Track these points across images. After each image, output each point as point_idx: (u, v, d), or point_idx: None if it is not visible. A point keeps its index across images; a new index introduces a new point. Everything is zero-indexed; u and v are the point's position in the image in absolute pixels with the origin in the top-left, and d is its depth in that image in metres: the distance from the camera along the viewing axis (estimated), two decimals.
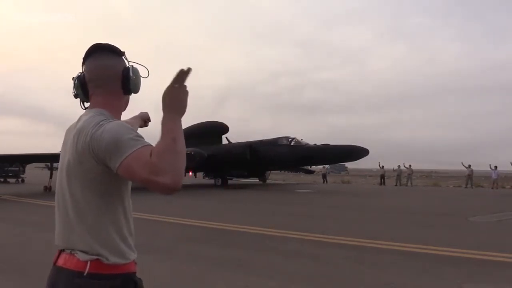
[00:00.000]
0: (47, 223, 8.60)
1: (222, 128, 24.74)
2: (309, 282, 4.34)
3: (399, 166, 29.17)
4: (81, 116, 1.39)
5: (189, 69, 1.20)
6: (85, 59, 1.42)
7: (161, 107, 1.21)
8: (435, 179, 40.03)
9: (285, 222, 8.64)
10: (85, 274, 1.24)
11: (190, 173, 25.39)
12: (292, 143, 22.05)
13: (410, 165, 29.24)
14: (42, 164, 46.60)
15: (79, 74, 1.42)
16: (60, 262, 1.31)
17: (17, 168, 25.50)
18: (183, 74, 1.19)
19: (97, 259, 1.25)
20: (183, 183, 1.23)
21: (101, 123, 1.24)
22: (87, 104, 1.44)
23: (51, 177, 18.62)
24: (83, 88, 1.41)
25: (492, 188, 25.10)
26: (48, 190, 17.36)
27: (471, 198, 17.27)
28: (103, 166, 1.22)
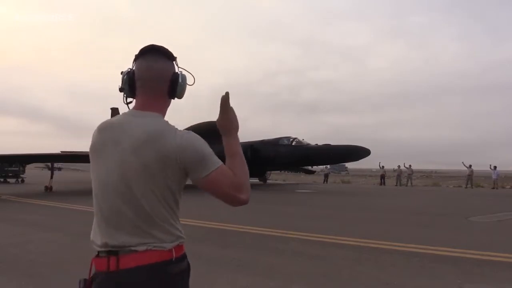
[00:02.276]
0: (47, 223, 8.62)
1: None
2: (309, 282, 4.34)
3: (399, 166, 29.18)
4: (132, 116, 1.42)
5: (227, 94, 1.45)
6: (137, 57, 1.45)
7: (221, 132, 1.48)
8: (435, 179, 40.05)
9: (285, 222, 8.64)
10: (173, 259, 1.34)
11: None
12: (294, 143, 21.99)
13: (410, 165, 29.26)
14: (42, 164, 46.72)
15: (129, 69, 1.46)
16: (129, 263, 1.30)
17: (17, 168, 25.49)
18: (226, 101, 1.45)
19: (178, 243, 1.38)
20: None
21: (177, 131, 1.39)
22: (129, 99, 1.49)
23: (51, 177, 18.59)
24: (130, 84, 1.45)
25: (493, 188, 25.12)
26: (49, 190, 17.32)
27: (471, 198, 17.27)
28: (181, 173, 1.37)
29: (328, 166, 34.77)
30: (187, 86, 1.51)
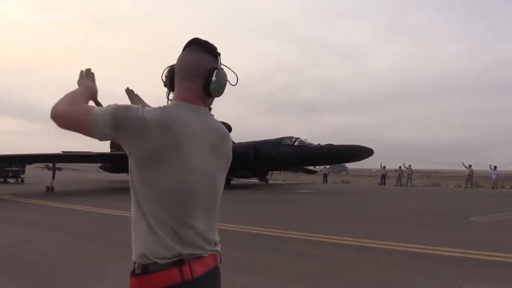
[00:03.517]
0: (47, 223, 8.61)
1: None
2: (309, 282, 4.34)
3: (400, 167, 29.20)
4: (192, 112, 1.35)
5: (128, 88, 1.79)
6: (183, 50, 1.43)
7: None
8: (435, 179, 40.05)
9: (285, 222, 8.64)
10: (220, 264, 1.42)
11: None
12: (296, 143, 21.86)
13: (410, 165, 29.29)
14: (42, 164, 46.66)
15: (172, 65, 1.44)
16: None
17: (16, 168, 25.46)
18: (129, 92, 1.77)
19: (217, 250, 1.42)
20: None
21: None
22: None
23: (53, 177, 18.45)
24: (170, 77, 1.43)
25: (492, 188, 25.12)
26: (51, 191, 17.27)
27: (471, 198, 17.27)
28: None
29: (328, 166, 34.78)
30: (231, 86, 1.45)
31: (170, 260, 1.24)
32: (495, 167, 26.01)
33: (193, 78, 1.37)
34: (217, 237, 1.42)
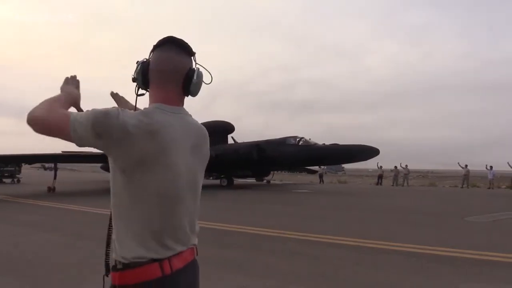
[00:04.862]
0: (46, 223, 8.58)
1: (228, 128, 24.37)
2: (307, 282, 4.35)
3: (395, 167, 29.26)
4: (173, 114, 1.34)
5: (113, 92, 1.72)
6: (155, 47, 1.40)
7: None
8: (431, 179, 40.19)
9: (283, 223, 8.64)
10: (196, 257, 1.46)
11: None
12: (300, 143, 21.60)
13: (406, 165, 29.35)
14: (38, 164, 46.45)
15: (144, 60, 1.41)
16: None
17: (12, 168, 25.28)
18: (114, 95, 1.71)
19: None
20: None
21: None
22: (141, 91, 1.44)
23: (55, 177, 18.05)
24: (144, 75, 1.39)
25: (488, 188, 25.22)
26: (52, 191, 16.79)
27: (467, 198, 17.35)
28: None
29: (324, 166, 34.68)
30: (204, 84, 1.45)
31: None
32: (491, 167, 26.12)
33: (171, 78, 1.36)
34: (197, 228, 1.46)
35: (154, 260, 1.26)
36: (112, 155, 1.27)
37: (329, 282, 4.36)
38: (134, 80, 1.42)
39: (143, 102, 1.44)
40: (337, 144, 20.99)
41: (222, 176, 23.56)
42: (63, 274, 4.60)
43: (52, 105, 1.28)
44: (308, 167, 31.20)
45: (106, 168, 27.82)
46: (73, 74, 1.49)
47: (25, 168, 31.71)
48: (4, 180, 25.10)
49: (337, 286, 4.27)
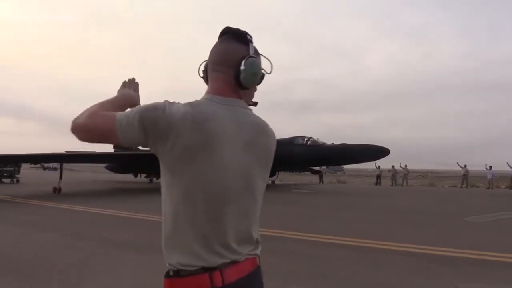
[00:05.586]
0: (46, 223, 8.56)
1: None
2: (307, 282, 4.35)
3: (393, 167, 29.23)
4: (225, 106, 1.25)
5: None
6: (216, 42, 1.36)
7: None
8: (431, 179, 40.22)
9: (282, 223, 8.63)
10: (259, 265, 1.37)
11: None
12: (309, 143, 21.43)
13: (406, 165, 29.35)
14: (38, 164, 46.40)
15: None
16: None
17: (12, 168, 25.21)
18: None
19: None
20: None
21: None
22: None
23: (61, 177, 17.90)
24: (204, 71, 1.36)
25: (488, 188, 25.25)
26: (58, 192, 16.60)
27: (466, 198, 17.36)
28: None
29: (323, 166, 34.58)
30: (266, 75, 1.34)
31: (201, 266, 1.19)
32: (490, 167, 26.14)
33: (223, 68, 1.28)
34: (256, 235, 1.34)
35: (204, 270, 1.17)
36: (159, 152, 1.20)
37: (329, 282, 4.37)
38: (202, 77, 1.39)
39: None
40: (346, 144, 20.79)
41: None
42: (63, 274, 4.60)
43: (95, 110, 1.23)
44: (311, 168, 31.06)
45: (111, 168, 27.72)
46: (131, 78, 1.45)
47: (24, 168, 31.67)
48: (4, 180, 25.06)
49: (337, 286, 4.27)
